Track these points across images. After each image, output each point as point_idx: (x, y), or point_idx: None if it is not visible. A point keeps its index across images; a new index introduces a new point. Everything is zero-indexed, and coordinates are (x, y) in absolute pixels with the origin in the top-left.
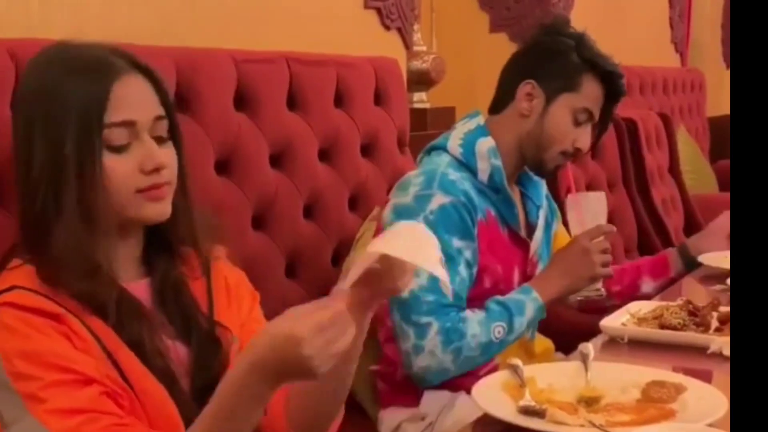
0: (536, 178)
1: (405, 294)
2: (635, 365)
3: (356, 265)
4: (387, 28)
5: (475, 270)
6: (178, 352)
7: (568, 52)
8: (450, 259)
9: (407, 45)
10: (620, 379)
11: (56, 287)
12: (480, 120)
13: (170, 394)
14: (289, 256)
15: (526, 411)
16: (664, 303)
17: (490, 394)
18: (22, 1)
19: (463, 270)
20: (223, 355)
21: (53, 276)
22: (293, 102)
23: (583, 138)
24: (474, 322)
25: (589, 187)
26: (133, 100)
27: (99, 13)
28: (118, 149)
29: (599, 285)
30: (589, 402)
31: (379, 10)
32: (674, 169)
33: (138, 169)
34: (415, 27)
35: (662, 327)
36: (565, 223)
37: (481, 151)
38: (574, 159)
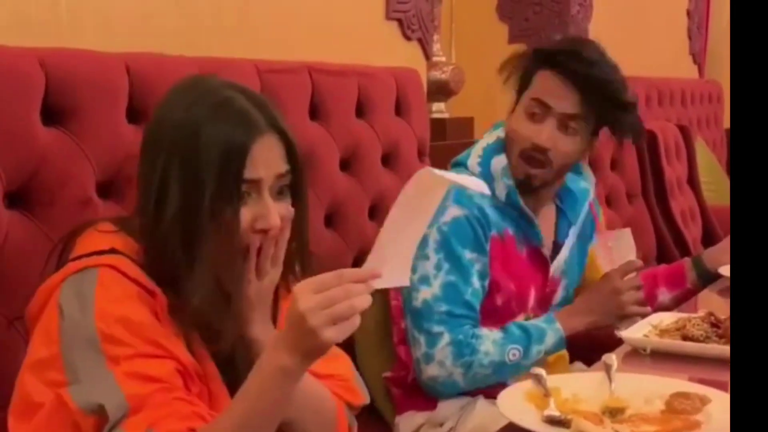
0: (578, 192)
1: (417, 302)
2: (659, 376)
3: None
4: (408, 38)
5: (486, 283)
6: None
7: (529, 55)
8: (464, 269)
9: (427, 55)
10: (644, 390)
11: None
12: (501, 133)
13: None
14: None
15: (552, 421)
16: (686, 315)
17: (515, 403)
18: (52, 11)
19: (476, 281)
20: None
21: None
22: (315, 112)
23: (540, 133)
24: (488, 340)
25: (608, 198)
26: (264, 160)
27: (128, 23)
28: (243, 199)
29: (647, 309)
30: (614, 413)
31: (400, 21)
32: (693, 181)
33: (250, 223)
34: (435, 37)
35: (684, 338)
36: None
37: (496, 171)
38: (545, 163)
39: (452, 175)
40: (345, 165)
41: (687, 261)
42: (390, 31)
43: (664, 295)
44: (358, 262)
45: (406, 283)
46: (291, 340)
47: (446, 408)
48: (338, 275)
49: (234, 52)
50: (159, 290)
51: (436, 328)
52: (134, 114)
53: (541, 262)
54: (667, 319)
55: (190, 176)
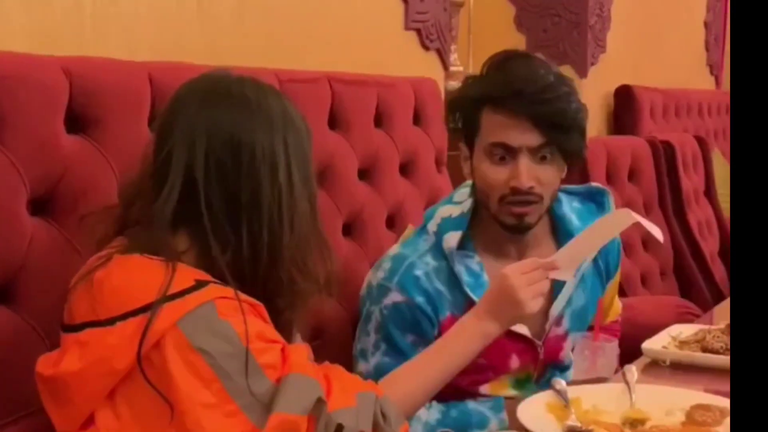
0: (576, 231)
1: (355, 372)
2: (680, 388)
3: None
4: (426, 48)
5: None
6: None
7: (466, 98)
8: (401, 352)
9: (445, 65)
10: (665, 401)
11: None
12: (468, 203)
13: None
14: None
15: None
16: (706, 326)
17: (535, 414)
18: (75, 19)
19: None
20: None
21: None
22: (334, 121)
23: (516, 174)
24: (420, 423)
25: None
26: None
27: (150, 32)
28: None
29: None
30: (635, 424)
31: (419, 31)
32: (710, 193)
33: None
34: (453, 48)
35: (704, 350)
36: None
37: (447, 249)
38: (533, 199)
39: (645, 222)
40: (363, 174)
41: None
42: (409, 41)
43: None
44: None
45: (569, 278)
46: (498, 310)
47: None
48: (534, 262)
49: (255, 62)
50: (255, 300)
51: None
52: None
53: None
54: (686, 330)
55: (306, 192)
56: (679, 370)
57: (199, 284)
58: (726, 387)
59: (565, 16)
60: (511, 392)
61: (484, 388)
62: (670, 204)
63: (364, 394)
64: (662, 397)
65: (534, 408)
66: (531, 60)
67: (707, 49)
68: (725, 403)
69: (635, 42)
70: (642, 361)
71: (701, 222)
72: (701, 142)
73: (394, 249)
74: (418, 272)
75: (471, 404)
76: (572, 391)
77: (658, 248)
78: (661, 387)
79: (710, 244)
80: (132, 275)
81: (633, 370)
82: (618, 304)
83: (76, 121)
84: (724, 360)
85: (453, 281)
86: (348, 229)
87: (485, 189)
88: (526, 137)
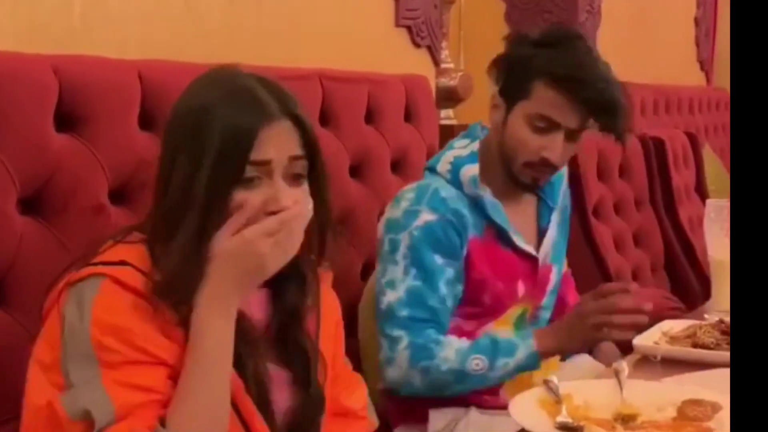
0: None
1: (382, 305)
2: (671, 383)
3: None
4: (417, 46)
5: (459, 288)
6: (279, 377)
7: (522, 60)
8: (431, 275)
9: (436, 62)
10: (656, 397)
11: (168, 298)
12: (474, 146)
13: (262, 414)
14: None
15: (564, 427)
16: (696, 322)
17: (527, 410)
18: (65, 17)
19: (443, 287)
20: (320, 390)
21: (166, 289)
22: (325, 118)
23: (552, 148)
24: (451, 348)
25: (617, 206)
26: (275, 143)
27: (140, 29)
28: (248, 184)
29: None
30: (626, 419)
31: (409, 29)
32: (701, 188)
33: (262, 206)
34: (444, 45)
35: (695, 346)
36: None
37: (465, 179)
38: (552, 170)
39: None
40: (355, 171)
41: None
42: (399, 39)
43: None
44: (367, 268)
45: None
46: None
47: (438, 420)
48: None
49: (246, 59)
50: (166, 304)
51: (396, 332)
52: (147, 121)
53: (527, 255)
54: (677, 326)
55: (193, 152)
56: (671, 365)
57: (113, 263)
58: (717, 382)
59: (556, 12)
60: (511, 333)
61: (490, 330)
62: (661, 200)
63: None
64: (653, 393)
65: (526, 403)
66: (591, 46)
67: (697, 45)
68: (716, 398)
69: (625, 38)
70: (633, 356)
71: (692, 217)
72: (692, 138)
73: (410, 185)
74: (444, 194)
75: (497, 335)
76: (564, 387)
77: (649, 244)
78: (653, 382)
79: (700, 240)
80: (104, 250)
81: (624, 365)
82: None
83: (66, 120)
84: (715, 355)
85: (473, 206)
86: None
87: (515, 149)
88: (572, 119)
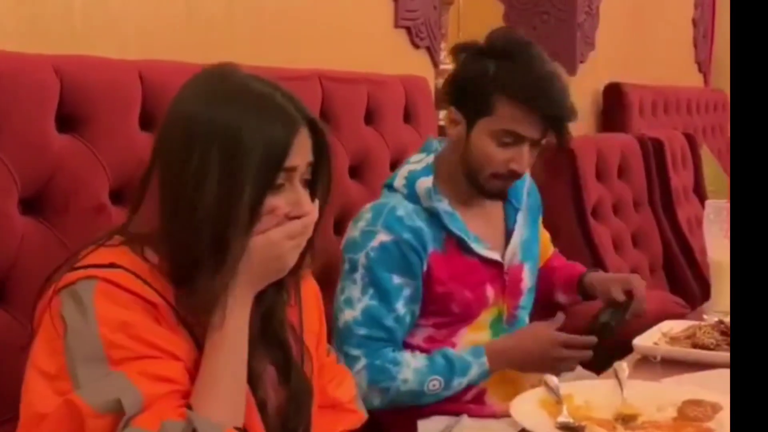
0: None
1: (340, 323)
2: (671, 384)
3: None
4: (416, 46)
5: (417, 308)
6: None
7: (479, 76)
8: (387, 295)
9: (435, 63)
10: (656, 397)
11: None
12: (429, 159)
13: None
14: (320, 270)
15: (565, 427)
16: (696, 322)
17: (528, 410)
18: (66, 18)
19: (401, 307)
20: (307, 382)
21: (199, 301)
22: (325, 119)
23: (519, 160)
24: (409, 368)
25: (615, 207)
26: (300, 150)
27: (140, 30)
28: (276, 190)
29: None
30: (626, 420)
31: (408, 30)
32: (699, 189)
33: (285, 210)
34: (443, 45)
35: (695, 346)
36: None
37: (421, 191)
38: (518, 177)
39: None
40: (354, 172)
41: (579, 275)
42: (399, 40)
43: (561, 298)
44: None
45: None
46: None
47: (427, 429)
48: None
49: (245, 60)
50: (163, 301)
51: (354, 351)
52: (147, 121)
53: (492, 260)
54: (677, 326)
55: (230, 172)
56: (670, 366)
57: (103, 266)
58: (717, 383)
59: (554, 13)
60: (488, 338)
61: (464, 337)
62: (660, 200)
63: (170, 423)
64: (653, 393)
65: (527, 404)
66: (543, 53)
67: (695, 46)
68: (716, 398)
69: (624, 39)
70: (633, 357)
71: (690, 218)
72: (690, 139)
73: (368, 205)
74: (401, 212)
75: (451, 352)
76: (564, 387)
77: (647, 244)
78: (653, 383)
79: (699, 240)
80: (87, 254)
81: (624, 366)
82: (547, 234)
83: (67, 120)
84: (715, 356)
85: (431, 219)
86: (340, 227)
87: (482, 163)
88: (536, 130)
